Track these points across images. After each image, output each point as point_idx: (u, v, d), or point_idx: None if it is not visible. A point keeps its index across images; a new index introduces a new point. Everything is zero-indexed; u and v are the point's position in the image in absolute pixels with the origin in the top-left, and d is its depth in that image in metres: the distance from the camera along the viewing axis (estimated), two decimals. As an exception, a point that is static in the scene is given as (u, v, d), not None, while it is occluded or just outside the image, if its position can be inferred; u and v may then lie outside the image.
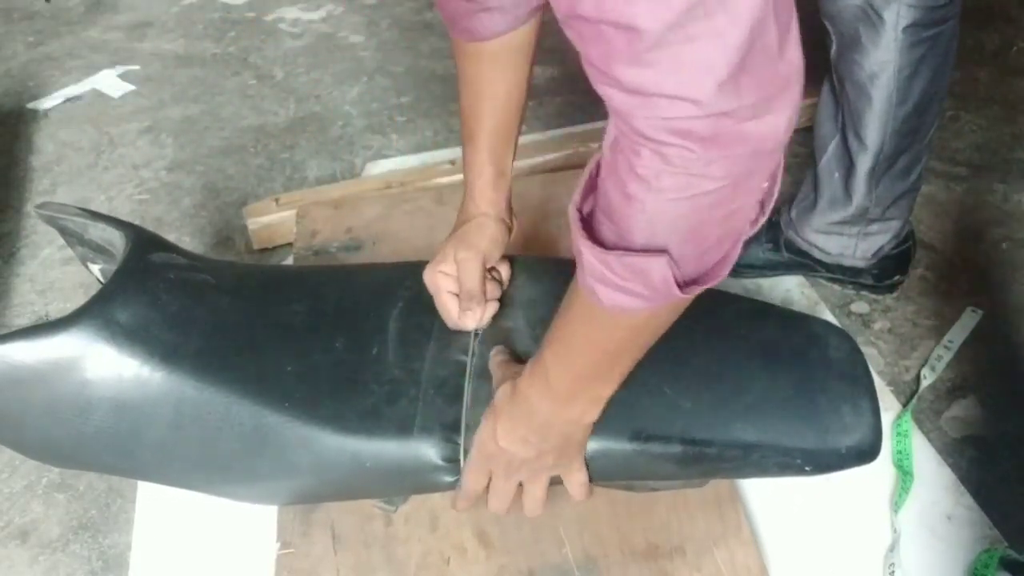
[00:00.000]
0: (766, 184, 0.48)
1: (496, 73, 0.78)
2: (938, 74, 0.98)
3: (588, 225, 0.53)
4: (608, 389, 0.63)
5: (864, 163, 1.03)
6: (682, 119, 0.42)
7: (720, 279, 0.53)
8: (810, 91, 1.44)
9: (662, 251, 0.49)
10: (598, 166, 0.52)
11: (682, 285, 0.50)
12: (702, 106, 0.41)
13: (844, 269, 1.14)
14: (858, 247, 1.11)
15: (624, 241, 0.50)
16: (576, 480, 0.70)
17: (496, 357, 0.74)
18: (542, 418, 0.65)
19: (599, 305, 0.53)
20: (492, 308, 0.79)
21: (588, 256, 0.51)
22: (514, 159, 0.83)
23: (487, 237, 0.80)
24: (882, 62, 0.96)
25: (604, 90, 0.44)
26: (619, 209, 0.48)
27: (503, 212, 0.82)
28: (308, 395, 0.71)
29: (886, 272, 1.13)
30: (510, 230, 0.83)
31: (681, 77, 0.41)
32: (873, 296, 1.15)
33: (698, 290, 0.52)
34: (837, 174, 1.07)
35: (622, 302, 0.52)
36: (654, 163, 0.45)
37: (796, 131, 0.47)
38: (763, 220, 0.51)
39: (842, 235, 1.11)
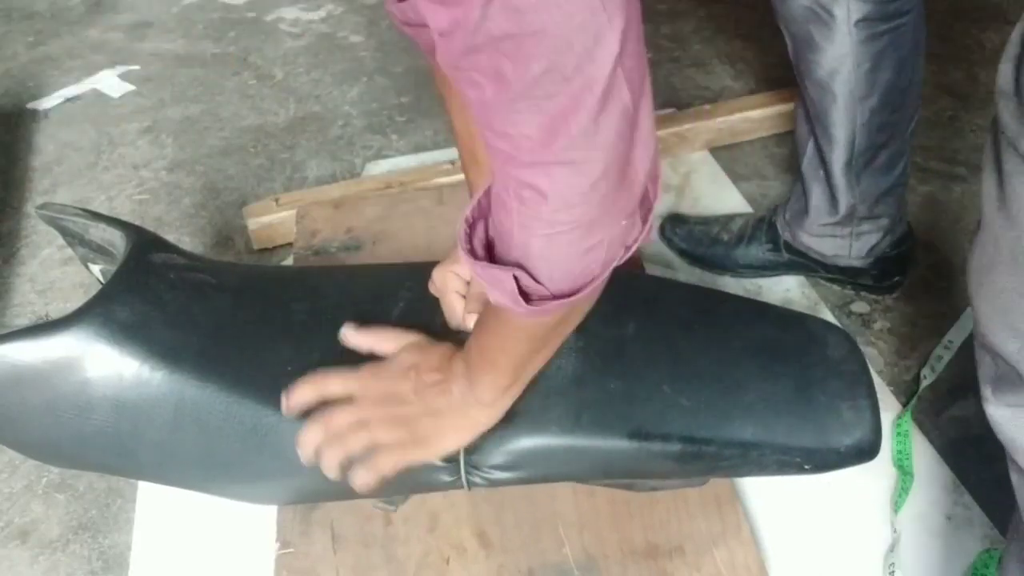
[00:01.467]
0: (624, 221, 0.52)
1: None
2: (904, 67, 0.98)
3: (473, 234, 0.58)
4: (503, 380, 0.66)
5: (838, 159, 1.04)
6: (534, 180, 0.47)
7: (587, 297, 0.56)
8: (787, 95, 1.45)
9: (517, 265, 0.53)
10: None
11: (534, 298, 0.54)
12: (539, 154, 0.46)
13: (842, 269, 1.14)
14: (852, 247, 1.11)
15: (503, 255, 0.54)
16: (389, 464, 0.67)
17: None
18: (453, 387, 0.67)
19: (491, 299, 0.58)
20: None
21: (468, 263, 0.56)
22: None
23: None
24: (839, 57, 0.96)
25: (485, 134, 0.48)
26: (498, 223, 0.54)
27: None
28: (308, 395, 0.71)
29: (886, 273, 1.13)
30: None
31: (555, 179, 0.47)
32: (873, 296, 1.15)
33: (557, 305, 0.55)
34: (821, 172, 1.07)
35: (503, 303, 0.56)
36: (515, 196, 0.49)
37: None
38: (627, 255, 0.55)
39: (835, 236, 1.11)
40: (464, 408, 0.67)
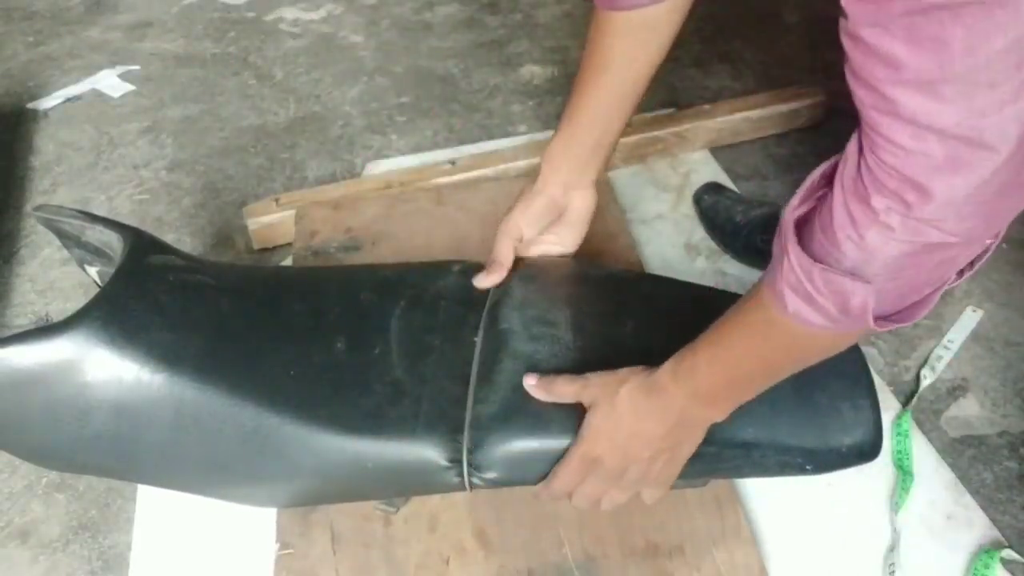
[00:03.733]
0: (989, 241, 0.48)
1: (621, 45, 0.76)
2: None
3: (799, 232, 0.52)
4: (748, 396, 0.64)
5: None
6: (947, 162, 0.41)
7: (914, 320, 0.52)
8: (787, 95, 1.44)
9: (867, 281, 0.48)
10: (824, 176, 0.52)
11: (876, 318, 0.50)
12: (975, 154, 0.40)
13: None
14: None
15: (831, 259, 0.49)
16: (658, 494, 0.72)
17: (581, 380, 0.70)
18: (676, 414, 0.64)
19: (781, 312, 0.53)
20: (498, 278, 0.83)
21: (793, 261, 0.51)
22: (617, 139, 0.83)
23: (527, 213, 0.84)
24: None
25: (870, 114, 0.43)
26: (840, 229, 0.48)
27: (559, 184, 0.83)
28: (309, 396, 0.71)
29: None
30: (590, 205, 0.85)
31: (970, 119, 0.40)
32: None
33: (890, 326, 0.52)
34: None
35: (807, 315, 0.51)
36: (891, 203, 0.44)
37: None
38: (970, 273, 0.51)
39: None
40: (693, 426, 0.66)
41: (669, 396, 0.64)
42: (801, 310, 0.52)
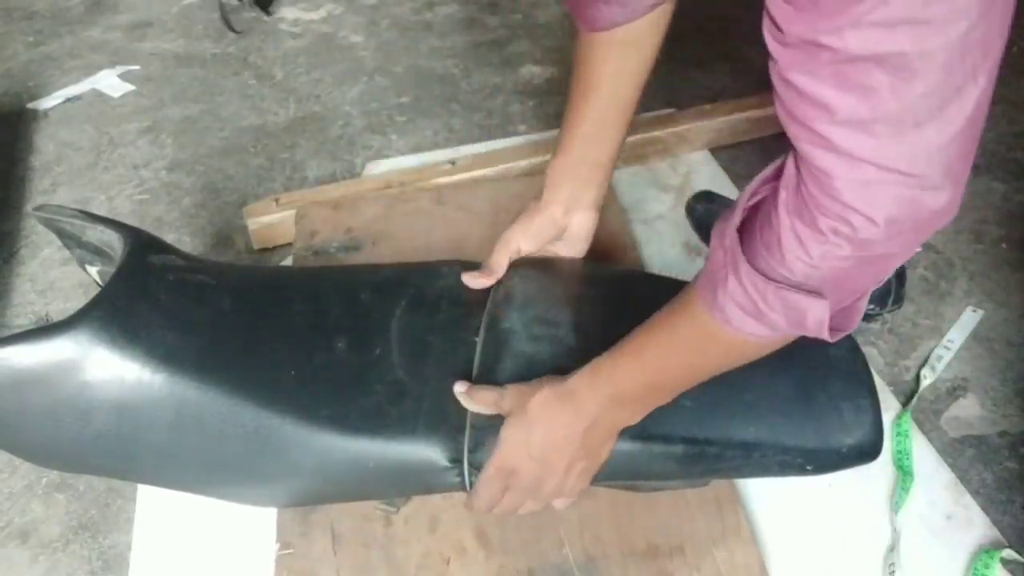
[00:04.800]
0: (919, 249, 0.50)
1: (604, 65, 0.77)
2: None
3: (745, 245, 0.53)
4: (666, 400, 0.65)
5: None
6: (885, 189, 0.44)
7: (853, 327, 0.55)
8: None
9: (821, 296, 0.50)
10: (757, 194, 0.53)
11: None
12: (908, 180, 0.44)
13: None
14: None
15: (778, 275, 0.51)
16: (569, 502, 0.73)
17: (499, 390, 0.71)
18: (588, 420, 0.65)
19: (720, 325, 0.54)
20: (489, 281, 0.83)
21: (744, 280, 0.52)
22: (616, 155, 0.83)
23: (527, 229, 0.84)
24: None
25: (805, 147, 0.45)
26: (789, 251, 0.49)
27: (560, 203, 0.83)
28: (310, 395, 0.71)
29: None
30: (592, 222, 0.85)
31: (900, 151, 0.43)
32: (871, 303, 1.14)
33: (839, 335, 0.54)
34: None
35: (752, 328, 0.53)
36: (838, 224, 0.46)
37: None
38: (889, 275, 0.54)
39: None
40: (606, 430, 0.68)
41: (582, 401, 0.65)
42: (746, 324, 0.54)
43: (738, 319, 0.54)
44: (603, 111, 0.80)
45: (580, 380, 0.66)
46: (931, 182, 0.44)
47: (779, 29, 0.43)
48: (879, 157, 0.43)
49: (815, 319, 0.51)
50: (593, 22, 0.75)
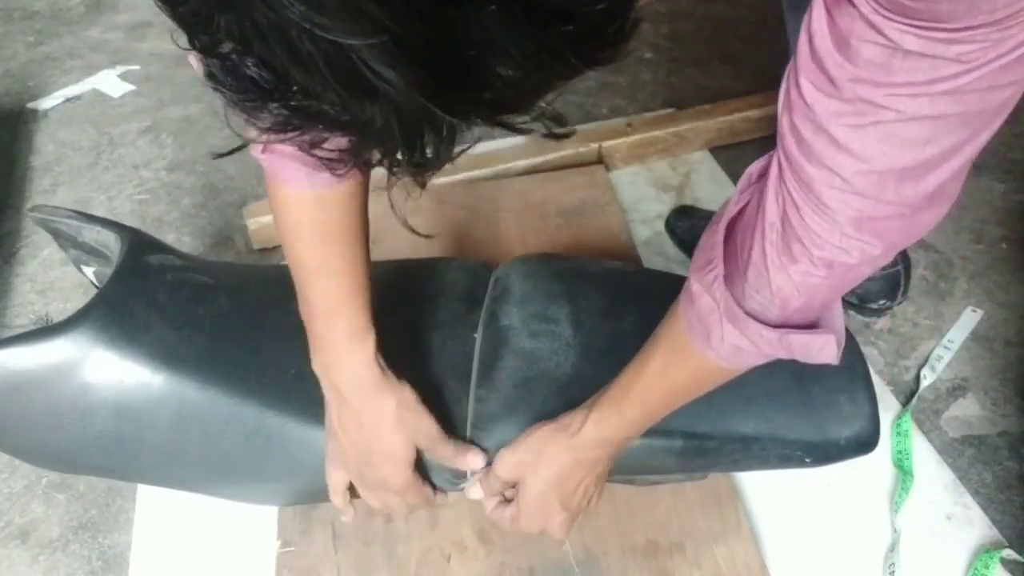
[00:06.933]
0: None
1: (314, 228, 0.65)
2: None
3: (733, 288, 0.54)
4: (655, 423, 0.66)
5: None
6: (896, 222, 0.45)
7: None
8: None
9: (829, 331, 0.52)
10: (731, 235, 0.55)
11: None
12: (917, 210, 0.45)
13: None
14: None
15: (770, 315, 0.52)
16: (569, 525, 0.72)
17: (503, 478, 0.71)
18: (600, 464, 0.68)
19: (721, 362, 0.56)
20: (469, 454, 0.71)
21: (745, 331, 0.52)
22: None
23: (413, 431, 0.68)
24: None
25: (819, 188, 0.45)
26: (782, 288, 0.50)
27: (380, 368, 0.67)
28: (310, 395, 0.71)
29: (868, 296, 1.10)
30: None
31: (917, 190, 0.44)
32: (871, 306, 1.13)
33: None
34: None
35: (753, 362, 0.55)
36: (833, 257, 0.47)
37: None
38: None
39: None
40: (610, 459, 0.69)
41: (591, 449, 0.66)
42: (746, 360, 0.55)
43: (738, 359, 0.55)
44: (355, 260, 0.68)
45: (587, 431, 0.65)
46: (936, 206, 0.46)
47: (832, 83, 0.41)
48: (901, 197, 0.44)
49: (827, 354, 0.52)
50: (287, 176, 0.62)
